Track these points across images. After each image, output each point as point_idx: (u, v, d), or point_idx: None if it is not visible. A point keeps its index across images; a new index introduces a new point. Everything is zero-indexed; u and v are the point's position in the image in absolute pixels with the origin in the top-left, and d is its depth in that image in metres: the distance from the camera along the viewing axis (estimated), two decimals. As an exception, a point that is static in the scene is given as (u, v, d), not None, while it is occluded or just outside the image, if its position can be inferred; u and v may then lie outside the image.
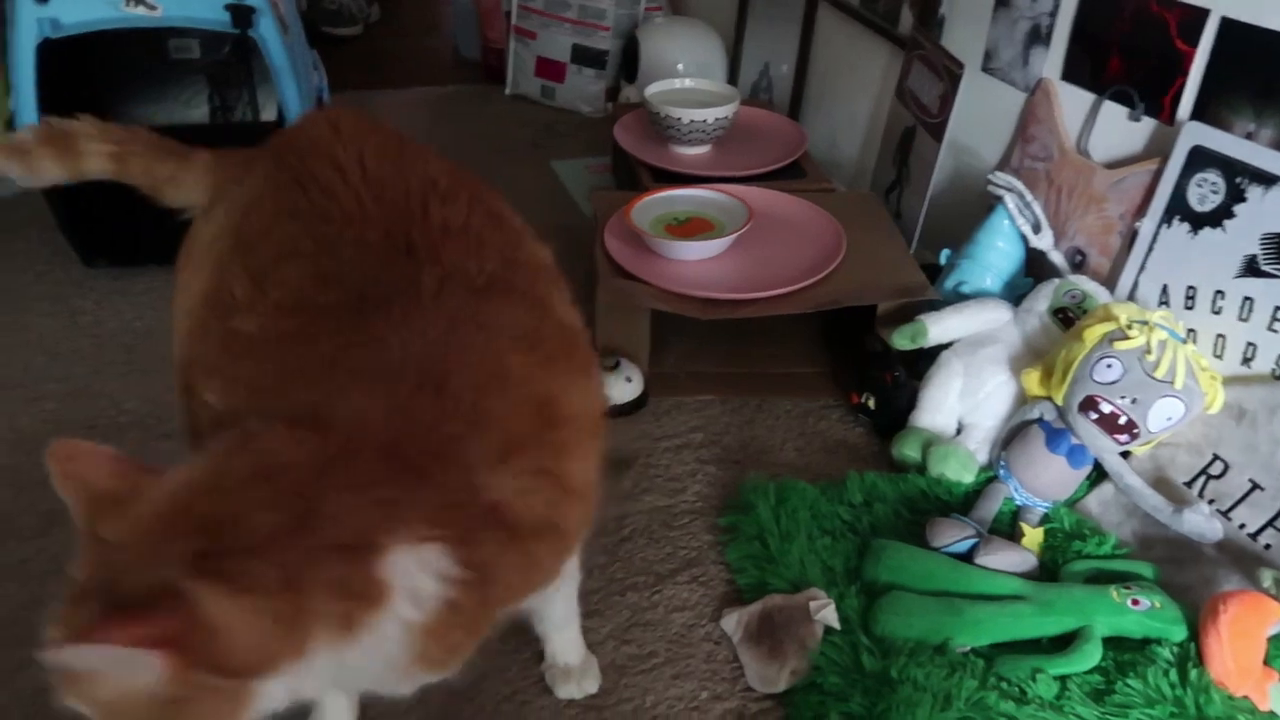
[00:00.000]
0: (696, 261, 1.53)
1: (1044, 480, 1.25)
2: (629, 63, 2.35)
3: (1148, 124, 1.37)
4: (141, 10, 1.53)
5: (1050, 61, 1.50)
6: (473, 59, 2.69)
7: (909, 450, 1.34)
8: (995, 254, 1.48)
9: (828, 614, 1.09)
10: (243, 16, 1.56)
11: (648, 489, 1.33)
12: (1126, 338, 1.20)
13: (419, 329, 0.75)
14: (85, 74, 1.74)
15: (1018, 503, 1.26)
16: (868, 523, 1.23)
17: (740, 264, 1.53)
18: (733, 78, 2.36)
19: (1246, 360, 1.25)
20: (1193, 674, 1.02)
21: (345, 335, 0.75)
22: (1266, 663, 1.03)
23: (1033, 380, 1.29)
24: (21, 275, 1.72)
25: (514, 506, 0.71)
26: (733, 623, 1.12)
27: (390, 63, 2.73)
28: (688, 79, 1.94)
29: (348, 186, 0.86)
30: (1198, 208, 1.29)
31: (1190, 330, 1.30)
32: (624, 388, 1.46)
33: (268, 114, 1.93)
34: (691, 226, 1.59)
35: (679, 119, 1.81)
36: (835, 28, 2.03)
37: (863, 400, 1.44)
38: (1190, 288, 1.30)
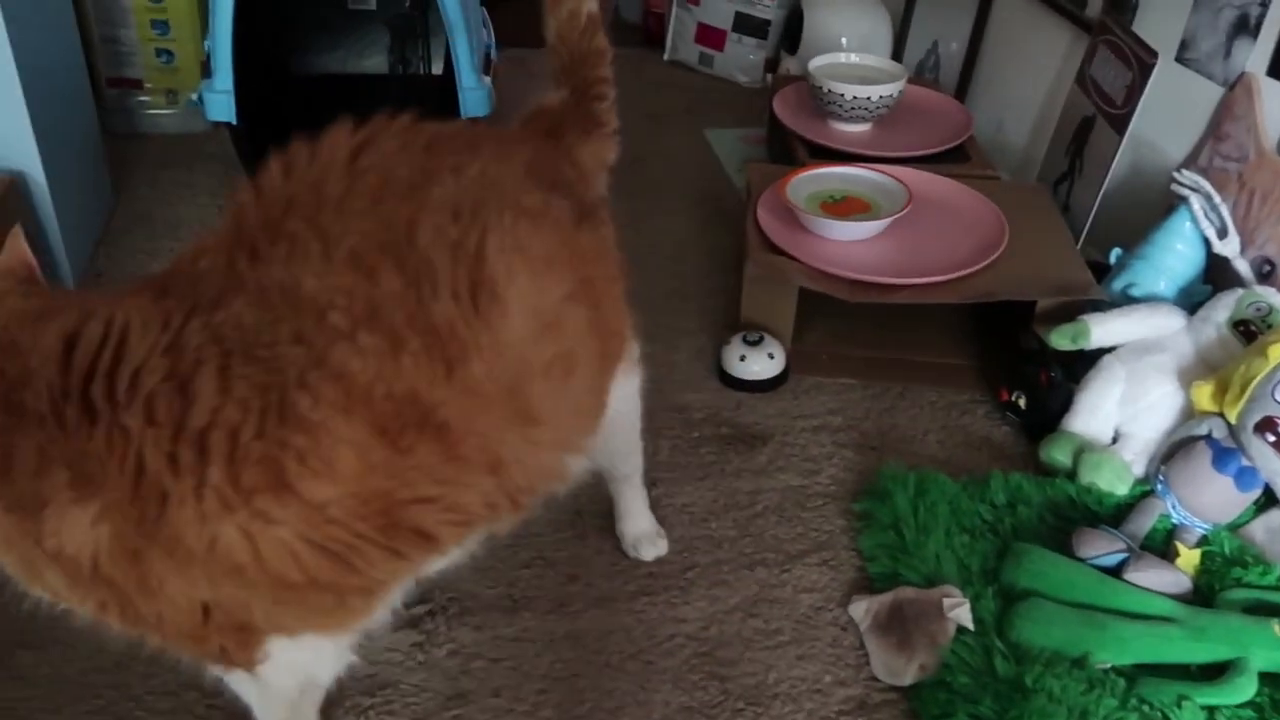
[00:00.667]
0: (849, 242, 1.50)
1: (1206, 500, 1.18)
2: (791, 34, 2.30)
3: (1364, 129, 1.26)
4: (332, -37, 1.60)
5: (1256, 55, 1.39)
6: (633, 22, 2.70)
7: (1059, 454, 1.29)
8: (1172, 257, 1.40)
9: (961, 613, 1.06)
10: (425, -28, 1.61)
11: (782, 467, 1.33)
12: (1317, 358, 1.11)
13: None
14: (272, 21, 1.82)
15: (1174, 521, 1.20)
16: (1009, 524, 1.20)
17: (895, 247, 1.49)
18: (898, 54, 2.28)
19: None
20: (1359, 723, 0.96)
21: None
22: None
23: (1204, 394, 1.22)
24: (206, 208, 1.84)
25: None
26: (861, 610, 1.11)
27: (552, 22, 2.76)
28: (853, 54, 1.89)
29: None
30: None
31: (1390, 356, 1.20)
32: (766, 364, 1.45)
33: (436, 68, 1.99)
34: (847, 206, 1.56)
35: (842, 95, 1.77)
36: (1014, 7, 1.94)
37: (1013, 398, 1.39)
38: (1395, 310, 1.20)
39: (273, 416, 0.71)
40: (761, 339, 1.46)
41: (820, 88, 1.78)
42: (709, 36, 2.42)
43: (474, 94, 1.75)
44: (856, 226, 1.49)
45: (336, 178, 0.80)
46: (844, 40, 2.22)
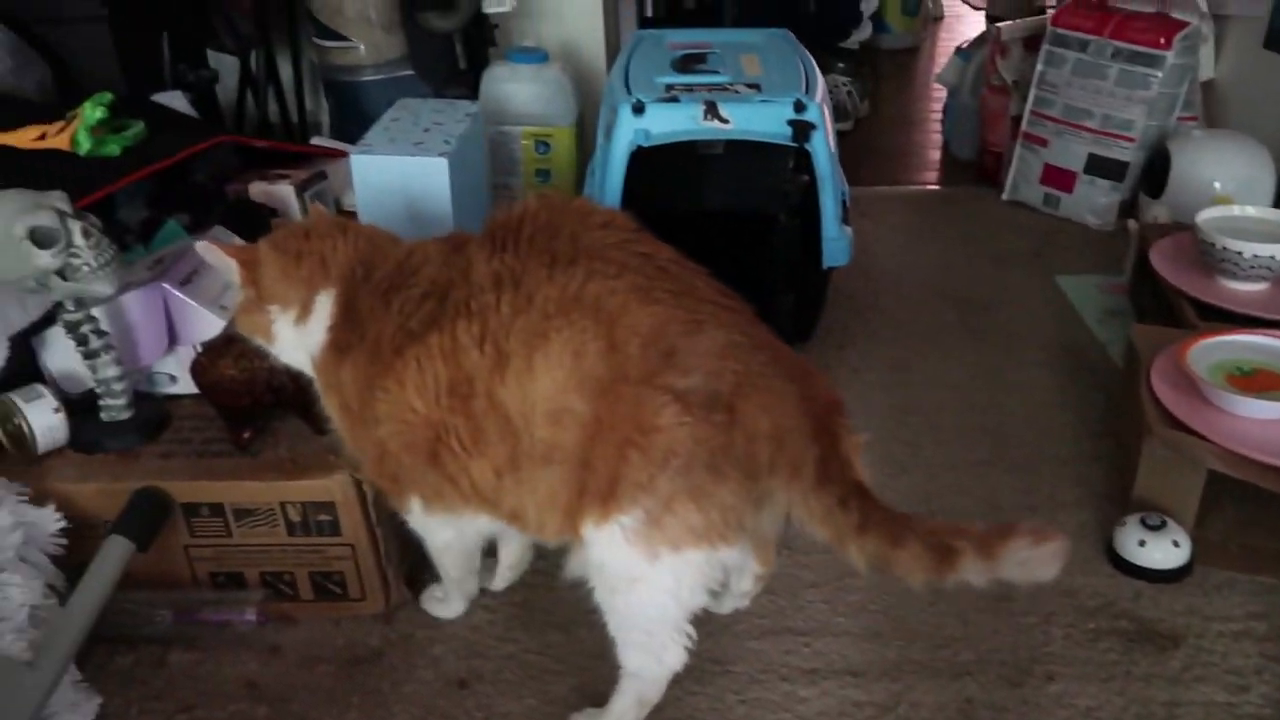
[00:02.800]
0: (1264, 420, 1.36)
1: None
2: (1154, 176, 2.18)
3: None
4: (716, 124, 1.70)
5: None
6: (965, 159, 2.67)
7: None
8: None
9: None
10: (803, 132, 1.67)
11: (1201, 677, 1.19)
12: None
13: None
14: (649, 169, 1.96)
15: None
16: None
17: (1325, 432, 1.33)
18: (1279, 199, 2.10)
19: None
20: None
21: None
22: None
23: None
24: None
25: None
26: None
27: (880, 159, 2.79)
28: (1249, 207, 1.75)
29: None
30: None
31: None
32: (1170, 552, 1.32)
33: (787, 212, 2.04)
34: (1261, 380, 1.41)
35: (1239, 253, 1.63)
36: None
37: None
38: None
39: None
40: (1164, 523, 1.34)
41: (1212, 244, 1.66)
42: (1057, 177, 2.34)
43: (836, 244, 1.77)
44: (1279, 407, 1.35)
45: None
46: (1217, 185, 2.07)
